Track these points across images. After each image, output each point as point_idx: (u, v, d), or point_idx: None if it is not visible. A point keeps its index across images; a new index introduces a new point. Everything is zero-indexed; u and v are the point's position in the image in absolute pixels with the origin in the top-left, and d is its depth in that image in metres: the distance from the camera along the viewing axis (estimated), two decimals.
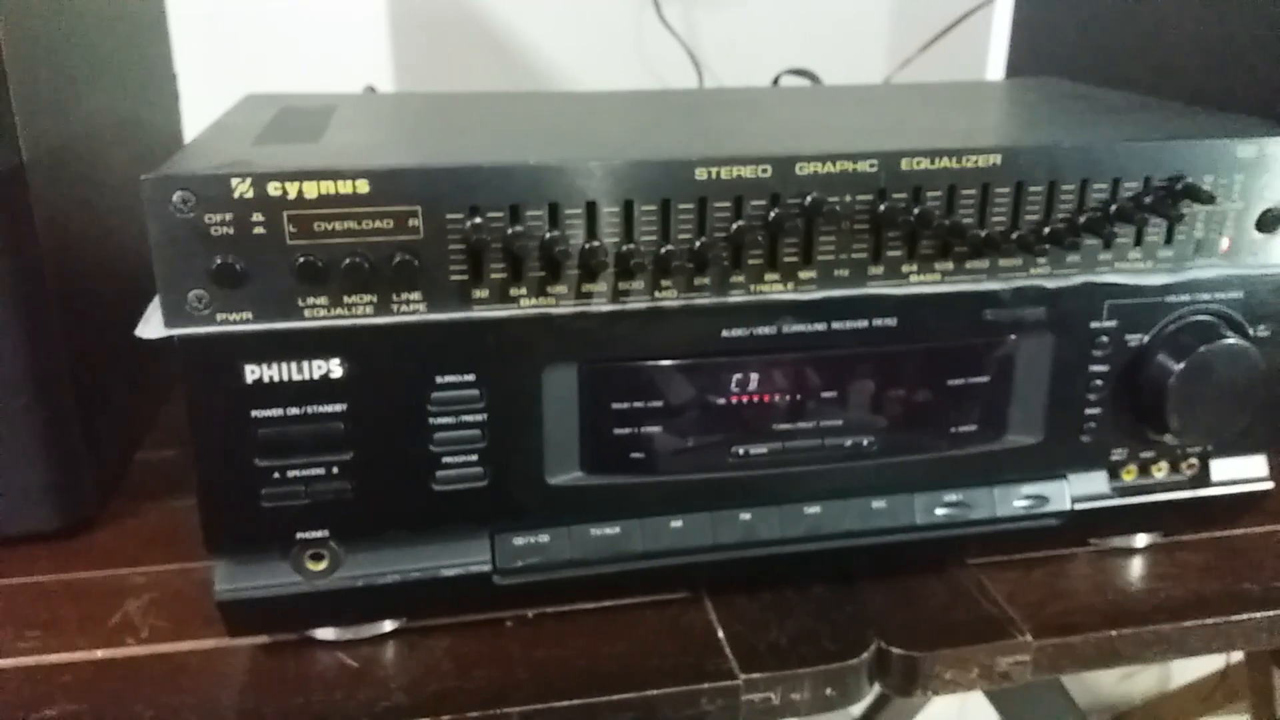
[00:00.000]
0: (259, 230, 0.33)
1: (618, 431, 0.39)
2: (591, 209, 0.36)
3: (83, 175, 0.49)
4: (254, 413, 0.35)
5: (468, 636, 0.41)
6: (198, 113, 0.72)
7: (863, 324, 0.40)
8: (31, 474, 0.45)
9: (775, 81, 0.85)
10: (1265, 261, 0.42)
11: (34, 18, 0.44)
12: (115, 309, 0.44)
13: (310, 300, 0.35)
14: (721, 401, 0.40)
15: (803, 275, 0.38)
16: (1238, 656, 1.14)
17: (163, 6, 0.66)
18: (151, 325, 0.34)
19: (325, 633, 0.41)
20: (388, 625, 0.41)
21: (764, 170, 0.36)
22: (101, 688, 0.38)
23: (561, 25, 0.94)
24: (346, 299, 0.35)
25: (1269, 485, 0.47)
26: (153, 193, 0.32)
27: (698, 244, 0.37)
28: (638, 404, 0.39)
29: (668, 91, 0.60)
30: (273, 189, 0.33)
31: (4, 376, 0.44)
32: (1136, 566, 0.47)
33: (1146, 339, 0.42)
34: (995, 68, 0.96)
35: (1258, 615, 0.44)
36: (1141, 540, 0.48)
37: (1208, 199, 0.39)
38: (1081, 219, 0.39)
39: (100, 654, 0.40)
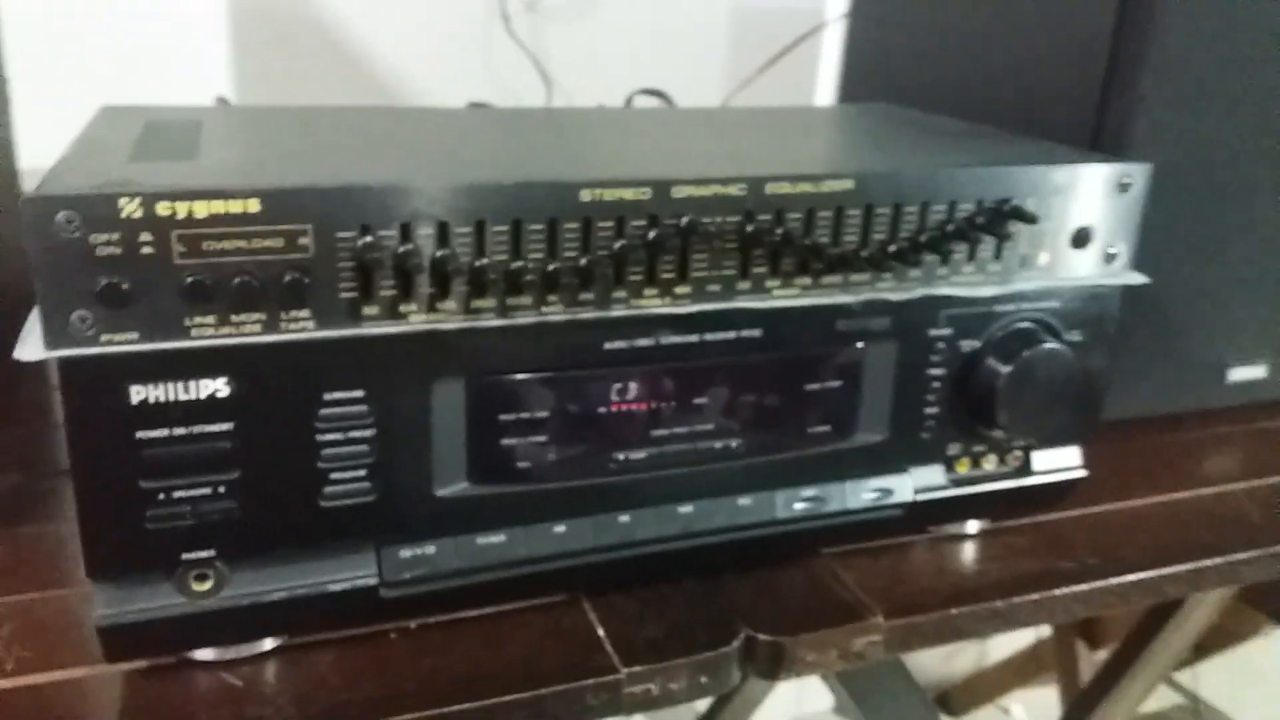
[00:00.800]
0: (147, 250, 0.33)
1: (504, 442, 0.40)
2: (480, 227, 0.37)
3: None
4: (139, 434, 0.35)
5: (352, 650, 0.42)
6: (29, 118, 0.69)
7: (731, 335, 0.42)
8: None
9: (629, 101, 0.88)
10: (1078, 274, 0.48)
11: None
12: None
13: (198, 319, 0.35)
14: (603, 410, 0.42)
15: (678, 290, 0.41)
16: (1046, 632, 1.25)
17: None
18: (30, 347, 0.33)
19: (205, 653, 0.40)
20: (268, 643, 0.41)
21: (644, 193, 0.39)
22: None
23: (409, 35, 0.94)
24: (234, 317, 0.35)
25: (1083, 473, 0.52)
26: (35, 213, 0.32)
27: (583, 261, 0.38)
28: (524, 415, 0.40)
29: (541, 110, 0.62)
30: (162, 209, 0.33)
31: None
32: (970, 550, 0.52)
33: (978, 344, 0.47)
34: (825, 88, 1.03)
35: (1074, 589, 0.49)
36: (974, 526, 0.52)
37: (1032, 219, 0.44)
38: (922, 238, 0.43)
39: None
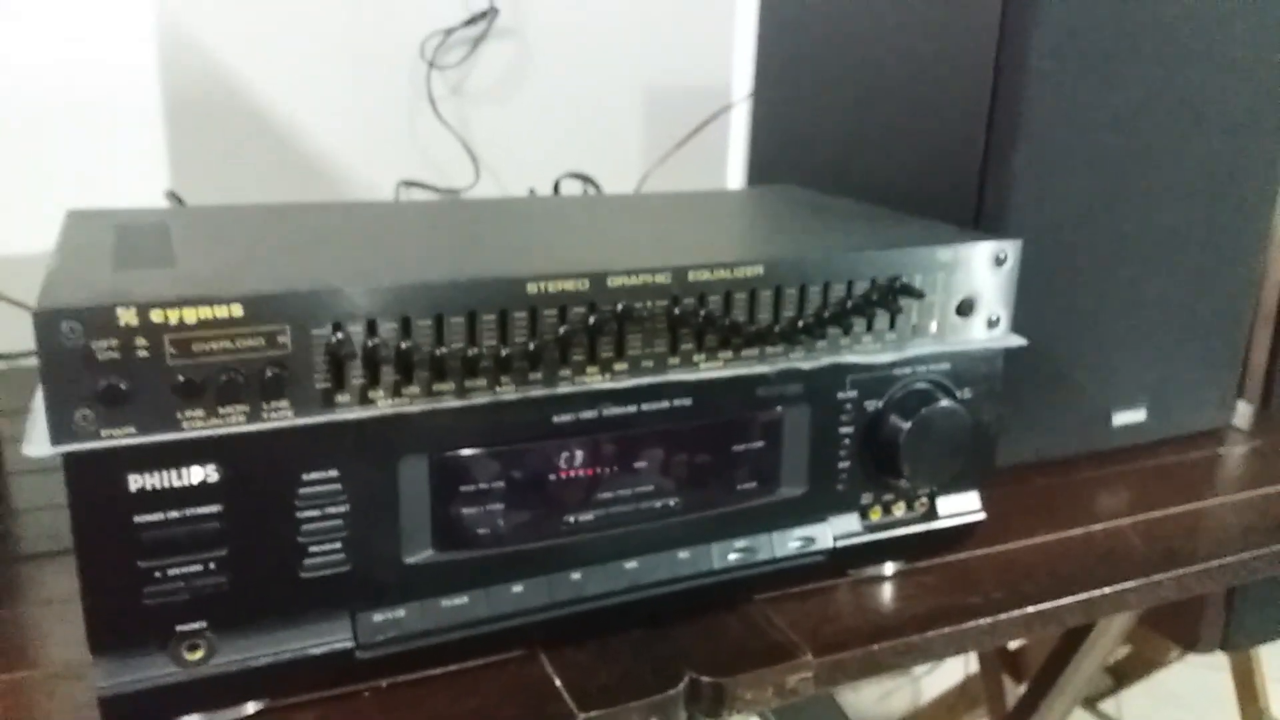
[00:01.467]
0: (142, 353, 0.37)
1: (465, 511, 0.45)
2: (439, 320, 0.42)
3: None
4: (136, 518, 0.38)
5: (329, 710, 0.45)
6: None
7: (665, 405, 0.48)
8: None
9: (557, 185, 0.94)
10: (965, 339, 0.54)
11: None
12: None
13: (188, 413, 0.38)
14: (552, 477, 0.46)
15: (617, 367, 0.46)
16: (974, 668, 1.31)
17: None
18: (37, 444, 0.37)
19: (192, 718, 0.43)
20: (251, 707, 0.44)
21: (583, 284, 0.44)
22: None
23: (339, 118, 0.98)
24: (221, 410, 0.39)
25: (982, 516, 0.58)
26: (42, 324, 0.36)
27: (531, 346, 0.43)
28: (481, 485, 0.45)
29: (485, 201, 0.67)
30: (155, 316, 0.37)
31: None
32: (888, 590, 0.57)
33: (881, 405, 0.52)
34: (735, 164, 1.10)
35: (982, 621, 0.55)
36: (889, 568, 0.58)
37: (919, 295, 0.50)
38: (826, 314, 0.49)
39: None
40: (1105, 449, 0.73)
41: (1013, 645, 1.14)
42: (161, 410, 0.38)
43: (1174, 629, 0.98)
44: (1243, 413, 0.84)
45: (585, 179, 0.94)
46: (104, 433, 0.37)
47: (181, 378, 0.38)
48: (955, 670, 1.37)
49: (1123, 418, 0.73)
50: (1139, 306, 0.70)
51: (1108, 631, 0.78)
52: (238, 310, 0.38)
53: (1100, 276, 0.68)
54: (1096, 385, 0.71)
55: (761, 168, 0.87)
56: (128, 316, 0.37)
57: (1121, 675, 1.40)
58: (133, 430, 0.38)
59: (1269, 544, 0.64)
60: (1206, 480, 0.72)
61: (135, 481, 0.38)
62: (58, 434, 0.37)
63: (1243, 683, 1.21)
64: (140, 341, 0.37)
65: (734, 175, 1.14)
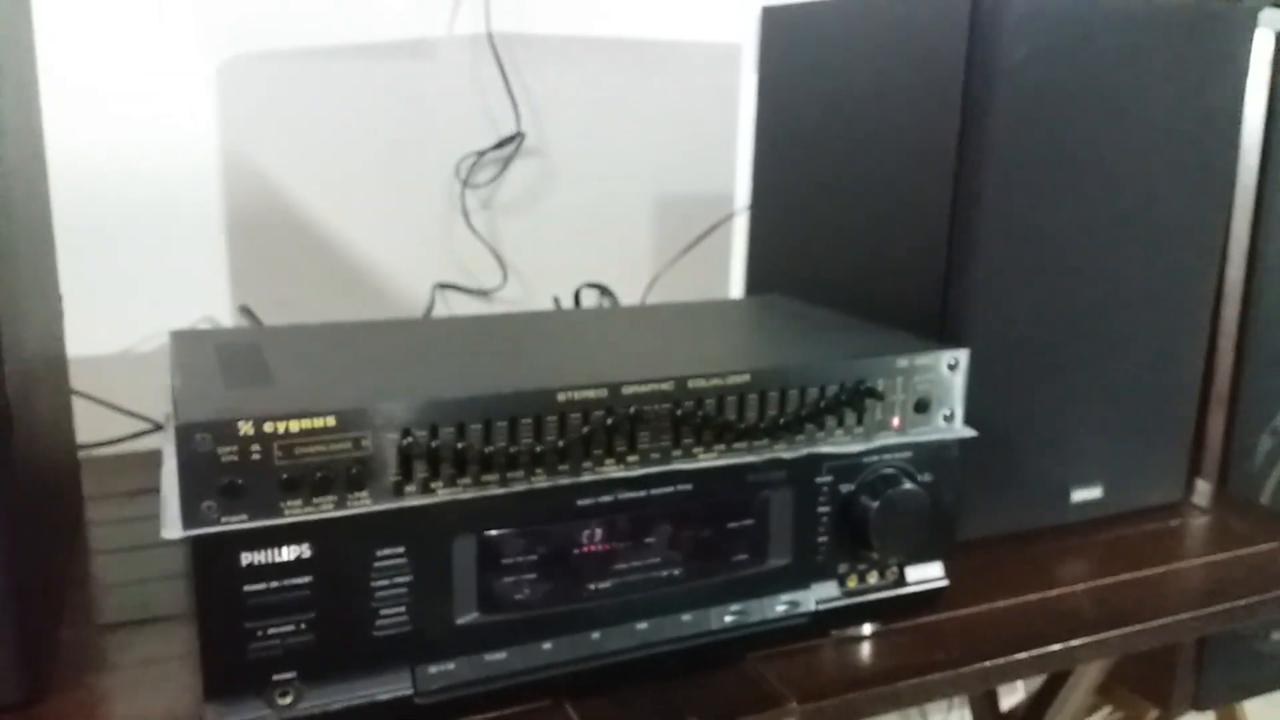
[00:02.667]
0: (255, 456, 0.47)
1: (505, 580, 0.54)
2: (487, 424, 0.52)
3: (26, 406, 0.60)
4: (245, 588, 0.48)
5: None
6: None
7: (670, 489, 0.57)
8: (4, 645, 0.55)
9: (577, 294, 1.05)
10: (924, 431, 0.64)
11: (19, 277, 0.56)
12: (46, 518, 0.55)
13: (289, 503, 0.49)
14: (577, 551, 0.56)
15: (629, 459, 0.56)
16: None
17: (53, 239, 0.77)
18: (171, 529, 0.47)
19: None
20: None
21: (602, 392, 0.54)
22: None
23: (381, 228, 1.10)
24: (315, 500, 0.49)
25: (945, 583, 0.67)
26: (181, 435, 0.46)
27: (560, 443, 0.54)
28: (519, 558, 0.54)
29: (517, 315, 0.77)
30: (267, 427, 0.47)
31: None
32: (865, 647, 0.66)
33: (853, 487, 0.62)
34: (738, 268, 1.21)
35: (946, 674, 0.64)
36: (867, 628, 0.67)
37: (880, 396, 0.60)
38: (803, 412, 0.59)
39: None
40: (1065, 523, 0.82)
41: (1004, 706, 1.21)
42: (268, 501, 0.48)
43: (1150, 690, 1.06)
44: (1202, 490, 0.93)
45: (601, 289, 1.05)
46: (223, 519, 0.48)
47: (285, 475, 0.48)
48: None
49: (1080, 494, 0.82)
50: (1093, 395, 0.80)
51: (1077, 687, 0.86)
52: (331, 421, 0.49)
53: (1056, 370, 0.78)
54: (1055, 465, 0.80)
55: (757, 276, 0.97)
56: (246, 428, 0.47)
57: None
58: (245, 517, 0.48)
59: (1210, 605, 0.72)
60: (1157, 550, 0.81)
61: (245, 558, 0.48)
62: (188, 521, 0.47)
63: None
64: (255, 447, 0.47)
65: (737, 276, 1.25)
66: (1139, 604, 0.72)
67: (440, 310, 1.13)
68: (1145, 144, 0.77)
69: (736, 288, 1.26)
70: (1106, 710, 1.22)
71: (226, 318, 1.05)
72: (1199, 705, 1.03)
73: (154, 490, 0.90)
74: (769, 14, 0.95)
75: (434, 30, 1.08)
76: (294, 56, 1.03)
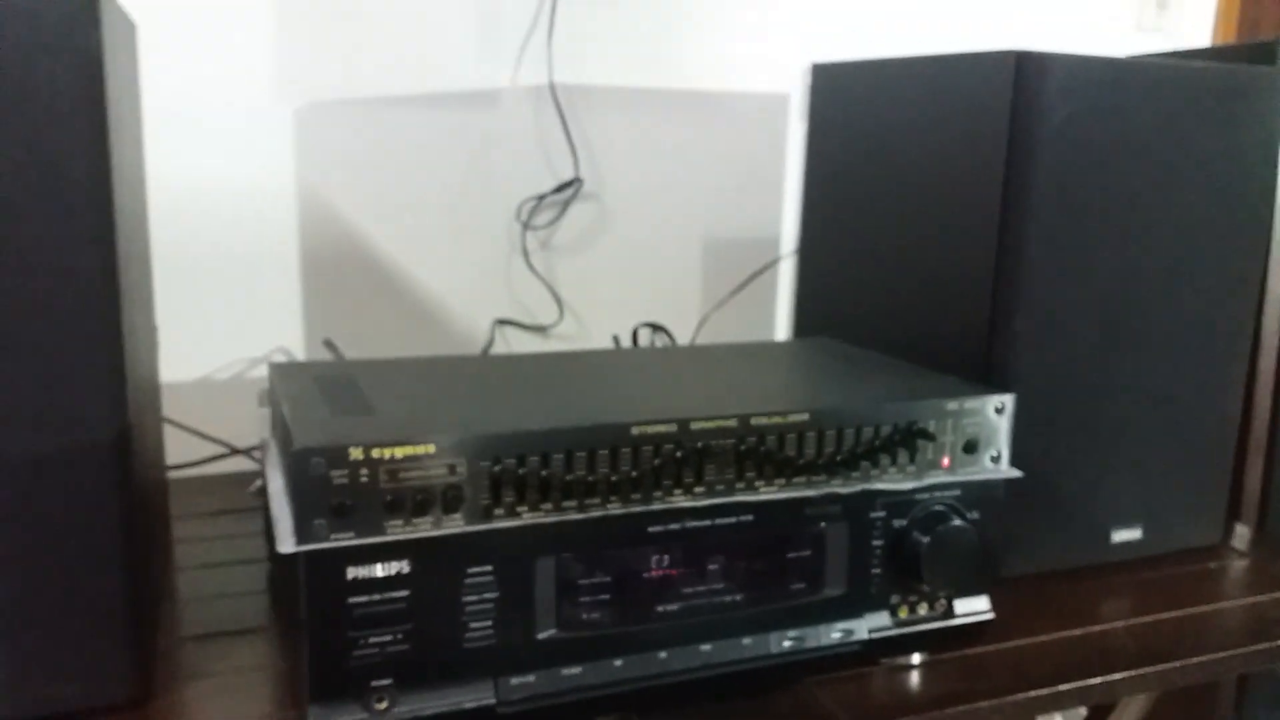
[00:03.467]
0: (364, 479, 0.52)
1: (582, 599, 0.59)
2: (569, 454, 0.57)
3: (138, 428, 0.65)
4: (350, 599, 0.53)
5: None
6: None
7: (733, 520, 0.61)
8: (119, 652, 0.60)
9: (634, 333, 1.10)
10: (972, 472, 0.67)
11: (133, 309, 0.61)
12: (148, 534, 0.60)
13: (391, 522, 0.53)
14: (647, 575, 0.60)
15: (696, 490, 0.60)
16: None
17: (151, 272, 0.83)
18: (286, 544, 0.52)
19: None
20: None
21: (672, 427, 0.59)
22: None
23: (446, 267, 1.16)
24: (414, 520, 0.54)
25: (991, 616, 0.71)
26: (298, 459, 0.51)
27: (634, 474, 0.58)
28: (593, 579, 0.59)
29: (584, 352, 0.81)
30: (375, 453, 0.52)
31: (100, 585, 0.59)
32: (914, 675, 0.69)
33: (905, 523, 0.66)
34: (782, 310, 1.25)
35: (990, 703, 0.67)
36: (916, 658, 0.70)
37: (931, 437, 0.64)
38: (859, 450, 0.63)
39: None
40: (1105, 562, 0.85)
41: None
42: (372, 520, 0.53)
43: None
44: (1240, 534, 0.95)
45: (659, 328, 1.10)
46: (332, 536, 0.52)
47: (389, 497, 0.53)
48: None
49: (1120, 535, 0.85)
50: (1133, 439, 0.83)
51: (1125, 713, 0.89)
52: (431, 449, 0.53)
53: (1097, 414, 0.81)
54: (1096, 506, 0.83)
55: (804, 318, 1.02)
56: (356, 453, 0.52)
57: None
58: (352, 535, 0.52)
59: (1249, 645, 0.75)
60: (1196, 590, 0.83)
61: (351, 573, 0.53)
62: (301, 537, 0.52)
63: None
64: (363, 471, 0.52)
65: (781, 318, 1.30)
66: (1178, 641, 0.75)
67: (499, 345, 1.18)
68: (1182, 200, 0.81)
69: (781, 329, 1.30)
70: None
71: (299, 349, 1.11)
72: None
73: (232, 511, 0.96)
74: (819, 70, 1.00)
75: (499, 81, 1.14)
76: (367, 104, 1.09)
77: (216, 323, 1.08)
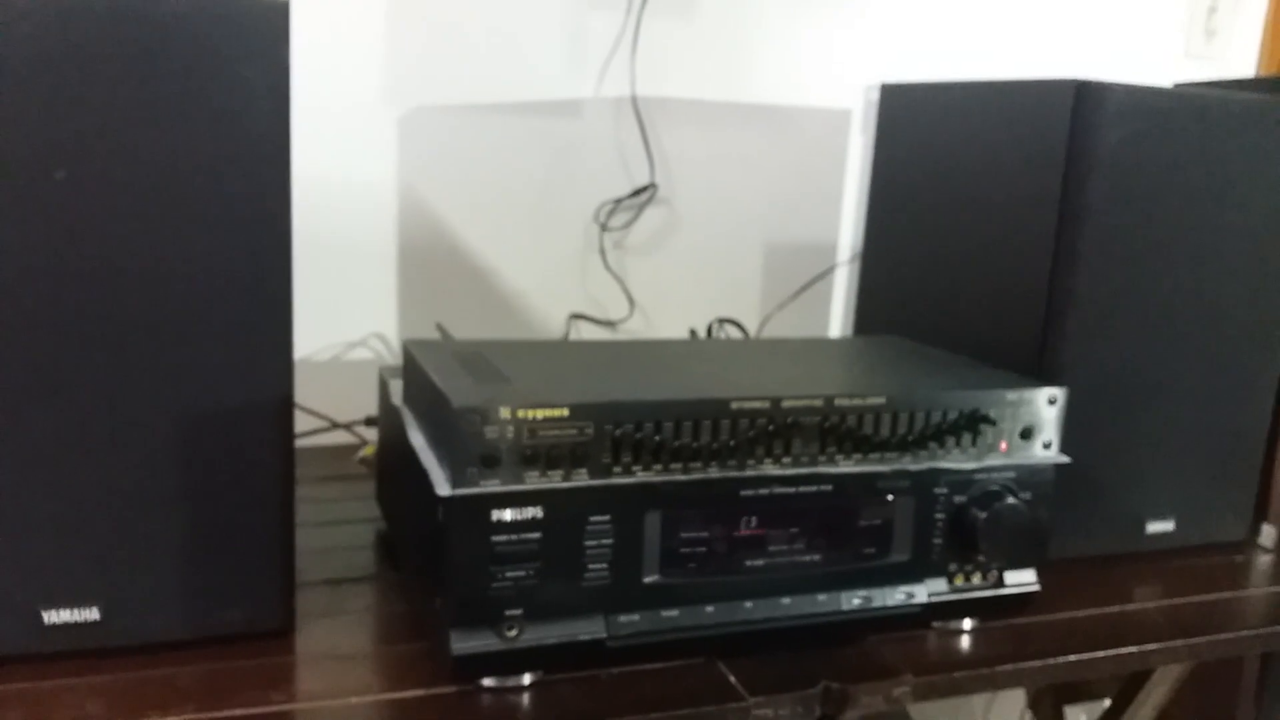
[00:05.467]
0: (509, 435, 0.61)
1: (682, 550, 0.67)
2: (678, 423, 0.65)
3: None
4: (493, 538, 0.62)
5: (578, 684, 0.67)
6: None
7: (814, 489, 0.70)
8: (274, 585, 0.69)
9: (710, 328, 1.18)
10: (1027, 456, 0.75)
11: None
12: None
13: (529, 473, 0.62)
14: (737, 533, 0.69)
15: (784, 460, 0.69)
16: None
17: None
18: (442, 488, 0.61)
19: (488, 681, 0.65)
20: (527, 678, 0.66)
21: (766, 404, 0.67)
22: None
23: (525, 263, 1.25)
24: (548, 472, 0.62)
25: (1038, 588, 0.79)
26: (459, 415, 0.60)
27: (731, 443, 0.66)
28: (693, 533, 0.67)
29: (680, 340, 0.89)
30: (520, 413, 0.61)
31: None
32: (966, 639, 0.77)
33: (965, 499, 0.74)
34: (836, 313, 1.34)
35: (1034, 664, 0.75)
36: (968, 623, 0.78)
37: (992, 423, 0.73)
38: (927, 433, 0.71)
39: (387, 696, 0.64)
40: (1139, 551, 0.93)
41: None
42: (515, 471, 0.62)
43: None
44: (1267, 533, 1.02)
45: (734, 323, 1.19)
46: (481, 483, 0.61)
47: (528, 451, 0.62)
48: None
49: (1154, 526, 0.93)
50: (1170, 438, 0.91)
51: (1145, 703, 0.96)
52: (565, 413, 0.62)
53: (1138, 413, 0.89)
54: (1133, 498, 0.91)
55: (865, 318, 1.10)
56: (504, 413, 0.61)
57: None
58: (497, 482, 0.61)
59: (1271, 625, 0.82)
60: (1224, 579, 0.91)
61: (495, 515, 0.62)
62: (454, 482, 0.61)
63: None
64: (509, 429, 0.61)
65: (835, 319, 1.38)
66: (1206, 620, 0.83)
67: (573, 338, 1.27)
68: (1223, 219, 0.89)
69: (834, 329, 1.38)
70: None
71: (393, 334, 1.21)
72: None
73: (337, 478, 1.05)
74: (889, 90, 1.08)
75: (583, 92, 1.23)
76: (463, 111, 1.19)
77: (317, 308, 1.18)
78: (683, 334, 1.29)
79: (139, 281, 0.63)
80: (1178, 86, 1.12)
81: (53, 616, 0.65)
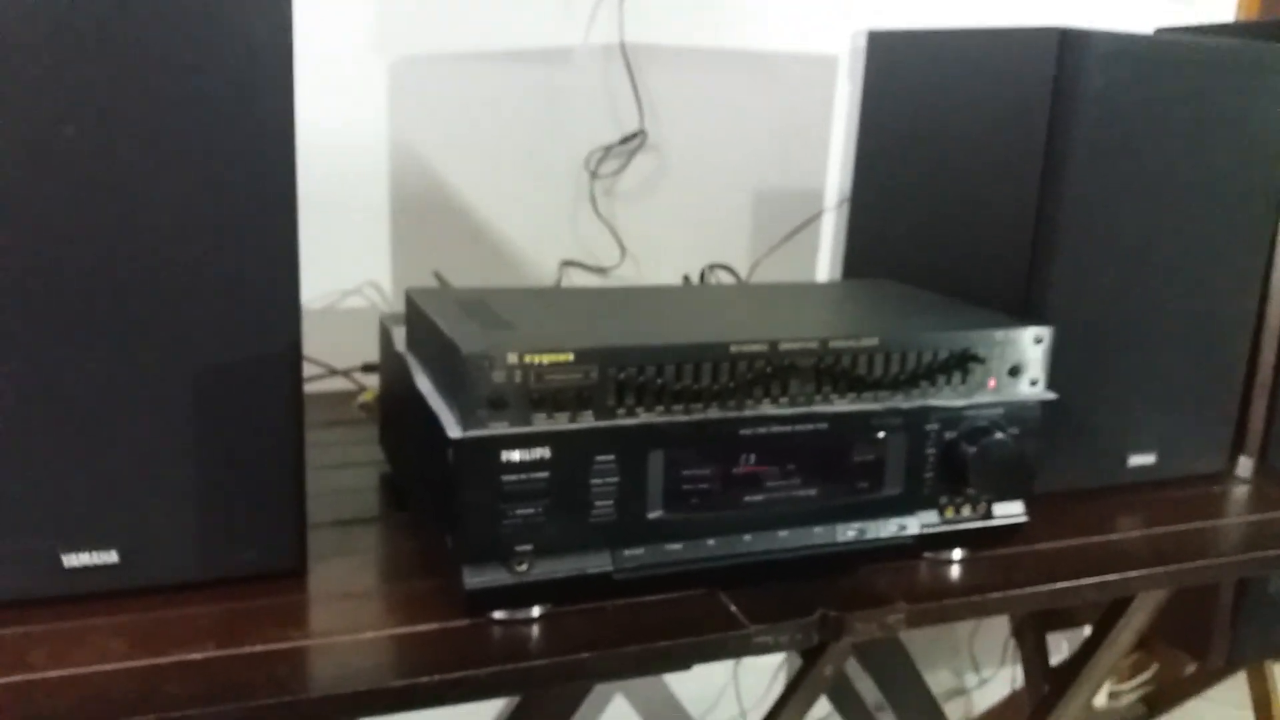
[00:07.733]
0: (517, 379, 0.63)
1: (684, 487, 0.70)
2: (679, 367, 0.67)
3: None
4: (502, 478, 0.64)
5: (584, 616, 0.69)
6: None
7: (810, 427, 0.72)
8: (287, 527, 0.71)
9: (702, 273, 1.20)
10: (1014, 393, 0.78)
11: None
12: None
13: (536, 415, 0.64)
14: (736, 470, 0.71)
15: (781, 400, 0.71)
16: (1020, 684, 1.51)
17: None
18: (453, 430, 0.63)
19: (499, 614, 0.68)
20: (536, 610, 0.69)
21: (764, 347, 0.69)
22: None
23: (517, 209, 1.26)
24: (555, 414, 0.65)
25: (1025, 519, 0.82)
26: (469, 360, 0.62)
27: (730, 385, 0.69)
28: (694, 471, 0.70)
29: (678, 287, 0.91)
30: (527, 358, 0.63)
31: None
32: (956, 569, 0.80)
33: (955, 434, 0.76)
34: (824, 258, 1.36)
35: (1022, 591, 0.78)
36: (957, 554, 0.81)
37: (981, 361, 0.75)
38: (919, 372, 0.74)
39: (400, 630, 0.67)
40: (1121, 484, 0.96)
41: (1054, 661, 1.35)
42: (522, 413, 0.64)
43: (1188, 644, 1.20)
44: (1244, 464, 1.06)
45: (727, 268, 1.21)
46: (490, 425, 0.63)
47: (535, 394, 0.64)
48: (1003, 685, 1.57)
49: (1136, 459, 0.96)
50: (1151, 374, 0.94)
51: (1126, 628, 1.00)
52: (570, 357, 0.64)
53: (1120, 350, 0.92)
54: (1115, 432, 0.94)
55: (854, 262, 1.12)
56: (512, 358, 0.63)
57: (1153, 704, 1.59)
58: (506, 424, 0.63)
59: (1247, 552, 0.86)
60: (1203, 509, 0.94)
61: (505, 455, 0.64)
62: (465, 424, 0.63)
63: (1260, 705, 1.41)
64: (516, 372, 0.63)
65: (822, 264, 1.40)
66: (1185, 548, 0.86)
67: (564, 284, 1.29)
68: (1204, 162, 0.91)
69: (822, 273, 1.40)
70: (1153, 670, 1.35)
71: (387, 283, 1.22)
72: (1233, 660, 1.16)
73: (339, 423, 1.07)
74: (876, 37, 1.09)
75: (572, 39, 1.23)
76: (453, 59, 1.19)
77: (311, 256, 1.18)
78: (673, 279, 1.30)
79: (152, 237, 0.64)
80: (1158, 32, 1.14)
81: (72, 560, 0.67)
